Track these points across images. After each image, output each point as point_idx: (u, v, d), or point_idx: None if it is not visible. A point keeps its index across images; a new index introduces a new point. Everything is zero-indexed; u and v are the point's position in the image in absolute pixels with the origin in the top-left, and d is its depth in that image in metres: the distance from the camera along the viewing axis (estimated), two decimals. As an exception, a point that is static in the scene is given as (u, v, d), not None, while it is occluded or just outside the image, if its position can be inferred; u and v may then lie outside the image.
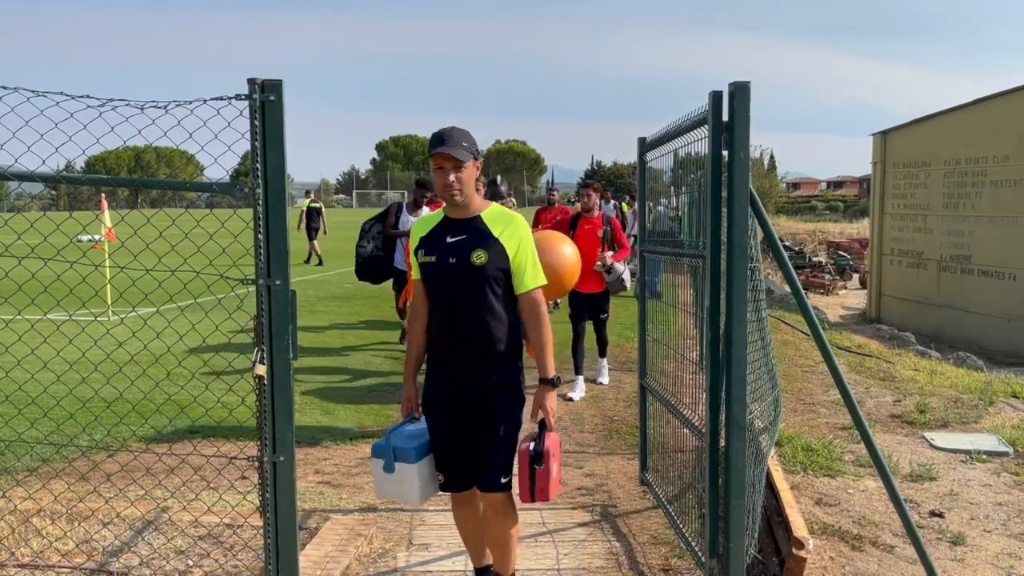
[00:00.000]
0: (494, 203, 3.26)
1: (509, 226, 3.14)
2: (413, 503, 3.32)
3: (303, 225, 21.57)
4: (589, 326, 7.88)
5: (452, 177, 3.05)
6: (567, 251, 7.12)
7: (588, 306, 7.73)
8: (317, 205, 22.10)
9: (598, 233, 7.66)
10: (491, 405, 3.16)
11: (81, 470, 5.21)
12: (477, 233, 3.12)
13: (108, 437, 6.02)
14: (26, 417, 5.48)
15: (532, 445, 3.12)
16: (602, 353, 8.13)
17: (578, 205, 8.10)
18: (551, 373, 3.19)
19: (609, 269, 7.50)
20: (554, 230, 7.63)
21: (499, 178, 6.37)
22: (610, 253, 7.56)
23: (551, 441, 3.15)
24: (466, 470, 3.28)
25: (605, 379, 8.19)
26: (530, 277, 3.16)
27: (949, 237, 14.32)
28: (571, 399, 7.54)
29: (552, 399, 3.18)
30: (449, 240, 3.13)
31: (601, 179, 47.03)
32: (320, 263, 21.66)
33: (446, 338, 3.18)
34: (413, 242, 3.27)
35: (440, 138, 3.10)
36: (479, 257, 3.06)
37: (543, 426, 3.17)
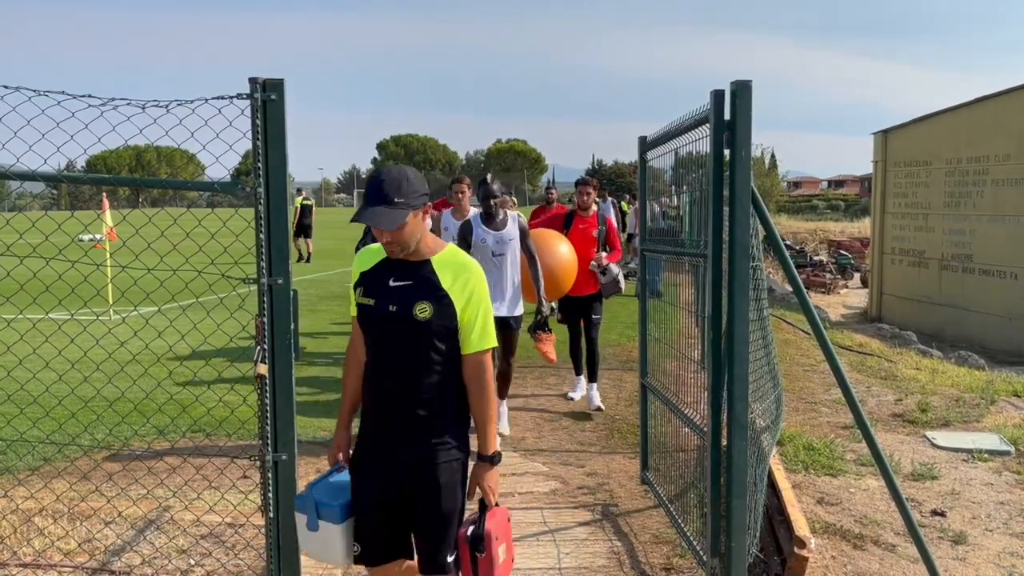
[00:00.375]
0: (450, 244, 2.86)
1: (461, 276, 2.72)
2: (339, 564, 2.94)
3: (296, 223, 21.49)
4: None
5: (388, 238, 2.65)
6: (563, 250, 6.97)
7: (581, 309, 7.32)
8: (309, 202, 22.06)
9: (593, 233, 7.31)
10: (429, 476, 2.74)
11: (83, 469, 5.22)
12: (424, 282, 2.71)
13: (110, 436, 6.02)
14: (28, 416, 5.48)
15: (471, 529, 2.74)
16: (592, 377, 7.27)
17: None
18: (491, 449, 2.77)
19: (604, 270, 7.17)
20: (547, 227, 7.35)
21: (489, 176, 6.08)
22: (605, 254, 7.24)
23: (494, 522, 2.76)
24: (387, 543, 2.84)
25: (599, 403, 7.22)
26: (478, 337, 2.73)
27: (950, 236, 14.33)
28: (572, 399, 7.51)
29: (493, 477, 2.79)
30: (392, 284, 2.72)
31: (602, 178, 46.88)
32: (305, 259, 21.42)
33: (380, 393, 2.78)
34: (353, 275, 2.87)
35: (367, 197, 2.64)
36: (423, 311, 2.66)
37: (483, 506, 2.80)
